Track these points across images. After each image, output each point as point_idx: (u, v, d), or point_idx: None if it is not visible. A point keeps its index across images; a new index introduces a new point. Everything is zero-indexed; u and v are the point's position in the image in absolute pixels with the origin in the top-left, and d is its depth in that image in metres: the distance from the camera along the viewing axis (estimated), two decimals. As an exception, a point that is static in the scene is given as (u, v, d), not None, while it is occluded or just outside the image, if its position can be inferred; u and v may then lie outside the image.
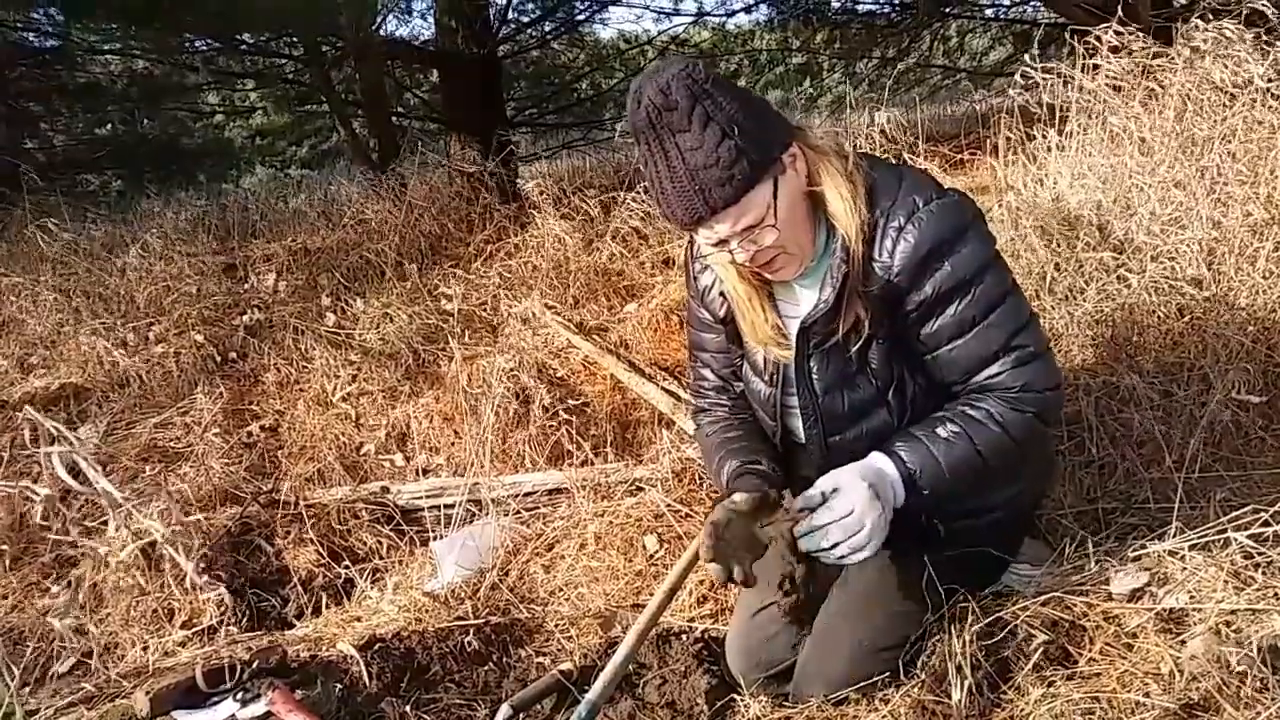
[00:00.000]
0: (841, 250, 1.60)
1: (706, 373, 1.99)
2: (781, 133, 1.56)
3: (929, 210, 1.57)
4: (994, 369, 1.62)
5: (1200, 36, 3.15)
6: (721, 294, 1.82)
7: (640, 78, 1.51)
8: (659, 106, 1.47)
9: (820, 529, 1.53)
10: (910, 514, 1.65)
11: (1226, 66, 3.07)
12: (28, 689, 2.46)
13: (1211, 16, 3.20)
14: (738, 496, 1.63)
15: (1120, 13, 3.26)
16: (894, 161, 1.86)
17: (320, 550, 2.91)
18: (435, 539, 2.92)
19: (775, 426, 1.85)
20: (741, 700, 1.92)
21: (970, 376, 1.64)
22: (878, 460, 1.62)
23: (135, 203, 6.64)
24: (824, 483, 1.59)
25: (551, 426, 3.27)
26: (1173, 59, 3.15)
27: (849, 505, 1.53)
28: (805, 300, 1.73)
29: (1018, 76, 3.39)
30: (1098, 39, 3.27)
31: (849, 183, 1.59)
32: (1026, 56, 3.40)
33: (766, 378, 1.81)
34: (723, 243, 1.57)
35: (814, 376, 1.72)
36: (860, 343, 1.66)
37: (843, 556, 1.53)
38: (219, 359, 4.20)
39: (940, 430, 1.62)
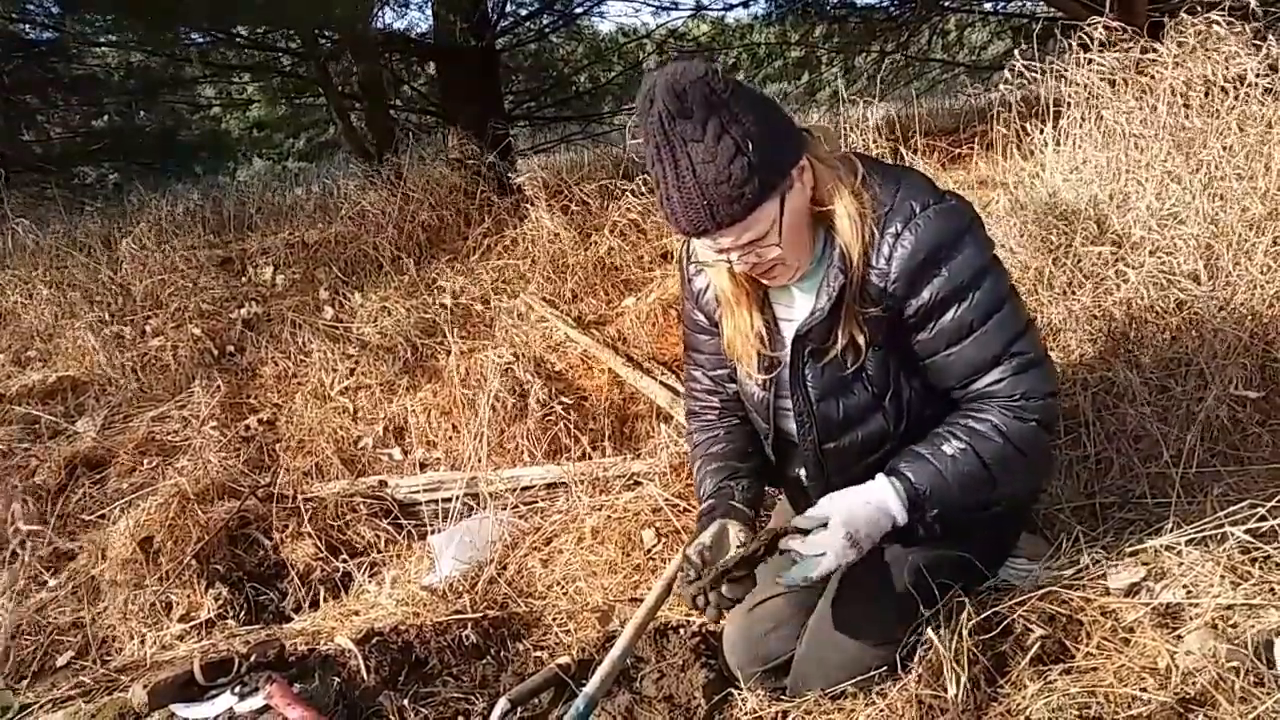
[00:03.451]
0: (840, 260, 1.59)
1: (698, 374, 1.98)
2: (794, 147, 1.54)
3: (926, 216, 1.56)
4: (993, 376, 1.61)
5: (1191, 30, 3.15)
6: (715, 297, 1.81)
7: (656, 75, 1.46)
8: (673, 113, 1.44)
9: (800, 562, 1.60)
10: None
11: (1220, 61, 3.07)
12: (25, 682, 2.46)
13: (1200, 9, 3.20)
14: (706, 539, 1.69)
15: (1115, 7, 3.26)
16: (892, 163, 1.85)
17: (318, 544, 2.91)
18: (433, 533, 2.92)
19: (768, 429, 1.84)
20: (739, 694, 1.92)
21: (968, 382, 1.63)
22: (879, 490, 1.63)
23: (131, 196, 6.62)
24: (816, 514, 1.63)
25: (549, 421, 3.27)
26: (1163, 54, 3.15)
27: (823, 547, 1.58)
28: (801, 304, 1.72)
29: (1008, 72, 3.38)
30: (1088, 34, 3.27)
31: (856, 199, 1.57)
32: (1018, 51, 3.40)
33: (761, 381, 1.79)
34: (723, 252, 1.57)
35: (809, 384, 1.71)
36: (857, 361, 1.65)
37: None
38: (216, 353, 4.19)
39: (946, 447, 1.62)
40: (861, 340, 1.63)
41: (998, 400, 1.61)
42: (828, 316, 1.62)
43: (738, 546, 1.67)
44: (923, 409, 1.69)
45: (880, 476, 1.65)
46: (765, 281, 1.68)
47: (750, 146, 1.44)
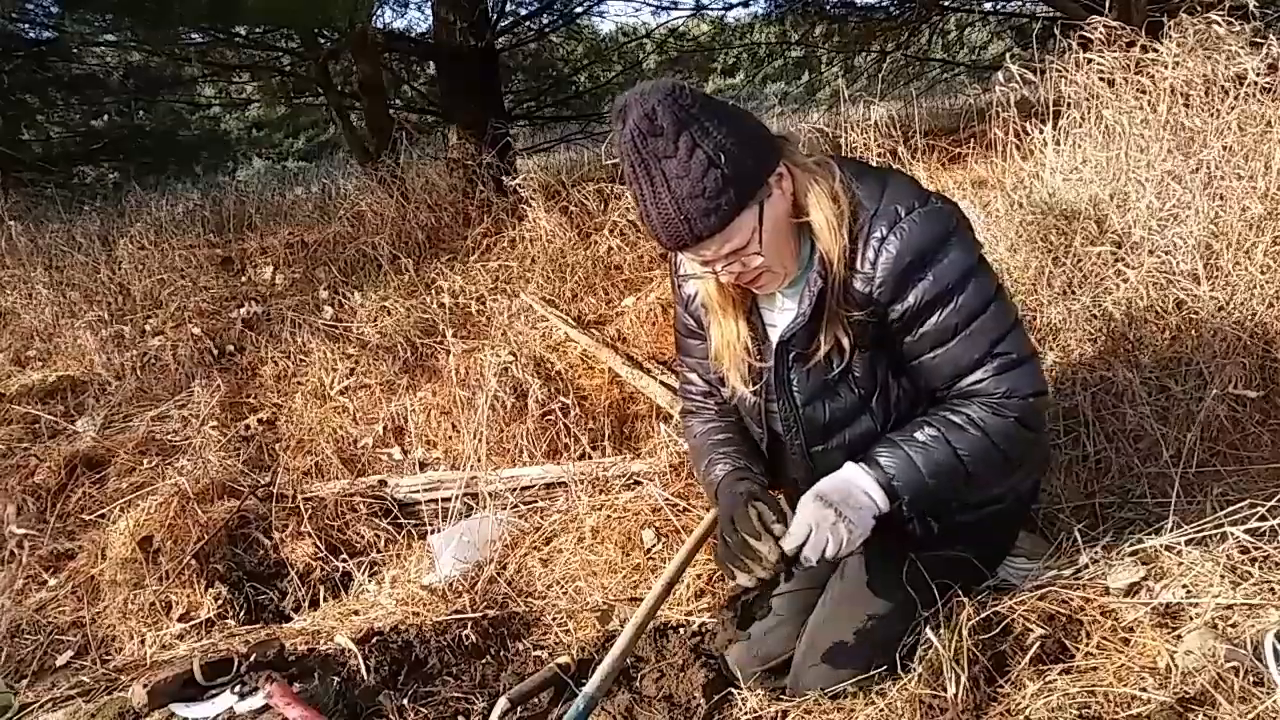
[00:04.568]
0: (820, 265, 1.59)
1: (693, 377, 1.99)
2: (769, 155, 1.54)
3: (911, 220, 1.56)
4: (977, 375, 1.61)
5: (1190, 30, 3.15)
6: (703, 304, 1.81)
7: (627, 96, 1.48)
8: (644, 132, 1.45)
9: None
10: (903, 514, 1.66)
11: (1219, 60, 3.06)
12: (25, 682, 2.46)
13: (1200, 9, 3.20)
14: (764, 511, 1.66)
15: (1115, 7, 3.26)
16: (877, 166, 1.85)
17: (318, 543, 2.91)
18: (433, 532, 2.92)
19: (762, 433, 1.85)
20: (739, 694, 1.93)
21: (954, 383, 1.63)
22: (849, 472, 1.64)
23: (130, 195, 6.63)
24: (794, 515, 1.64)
25: (549, 420, 3.27)
26: (1162, 54, 3.15)
27: (804, 532, 1.58)
28: (787, 309, 1.72)
29: (1001, 74, 3.38)
30: (1088, 34, 3.27)
31: (834, 203, 1.57)
32: (1016, 52, 3.40)
33: (752, 387, 1.79)
34: (707, 263, 1.57)
35: (794, 388, 1.71)
36: (843, 364, 1.65)
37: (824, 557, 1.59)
38: (216, 352, 4.19)
39: (919, 435, 1.62)
40: (846, 343, 1.63)
41: (980, 398, 1.62)
42: (809, 321, 1.63)
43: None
44: (912, 409, 1.70)
45: (849, 463, 1.66)
46: (754, 289, 1.68)
47: (723, 159, 1.45)
